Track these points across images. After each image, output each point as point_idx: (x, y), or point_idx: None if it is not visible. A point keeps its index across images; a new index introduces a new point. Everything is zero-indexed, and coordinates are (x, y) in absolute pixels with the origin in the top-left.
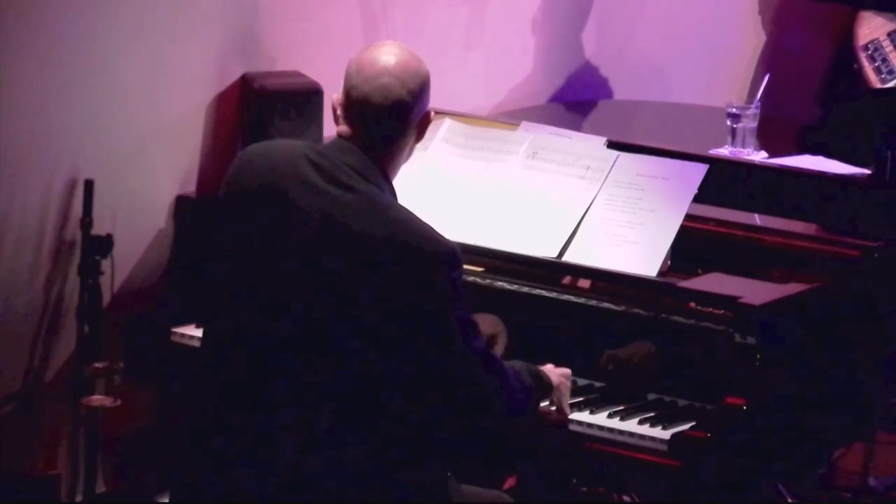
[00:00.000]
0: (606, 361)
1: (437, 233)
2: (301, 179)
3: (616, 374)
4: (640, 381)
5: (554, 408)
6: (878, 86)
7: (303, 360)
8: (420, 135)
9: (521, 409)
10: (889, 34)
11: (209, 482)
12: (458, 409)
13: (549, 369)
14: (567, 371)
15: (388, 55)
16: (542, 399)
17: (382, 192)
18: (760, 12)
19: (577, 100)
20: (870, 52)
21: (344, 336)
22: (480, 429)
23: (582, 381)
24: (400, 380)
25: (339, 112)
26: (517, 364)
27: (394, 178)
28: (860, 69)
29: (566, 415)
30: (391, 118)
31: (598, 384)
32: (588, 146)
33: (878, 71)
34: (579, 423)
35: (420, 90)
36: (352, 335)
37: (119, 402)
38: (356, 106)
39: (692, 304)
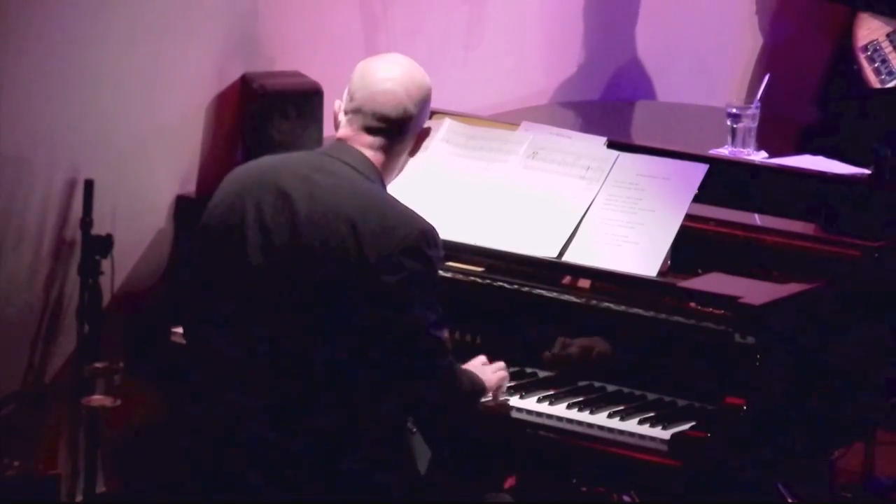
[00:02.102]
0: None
1: (416, 214)
2: (293, 172)
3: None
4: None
5: (491, 401)
6: (878, 86)
7: (288, 335)
8: (416, 148)
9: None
10: (888, 35)
11: (209, 479)
12: (409, 384)
13: (480, 364)
14: (500, 364)
15: (393, 65)
16: (481, 398)
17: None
18: (759, 12)
19: (577, 100)
20: (869, 54)
21: (322, 308)
22: (427, 405)
23: (582, 382)
24: (364, 353)
25: (339, 118)
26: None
27: (387, 184)
28: (860, 70)
29: (503, 403)
30: (393, 127)
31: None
32: (588, 146)
33: (877, 72)
34: (579, 422)
35: (423, 102)
36: (329, 307)
37: (119, 402)
38: (359, 113)
39: (692, 304)
